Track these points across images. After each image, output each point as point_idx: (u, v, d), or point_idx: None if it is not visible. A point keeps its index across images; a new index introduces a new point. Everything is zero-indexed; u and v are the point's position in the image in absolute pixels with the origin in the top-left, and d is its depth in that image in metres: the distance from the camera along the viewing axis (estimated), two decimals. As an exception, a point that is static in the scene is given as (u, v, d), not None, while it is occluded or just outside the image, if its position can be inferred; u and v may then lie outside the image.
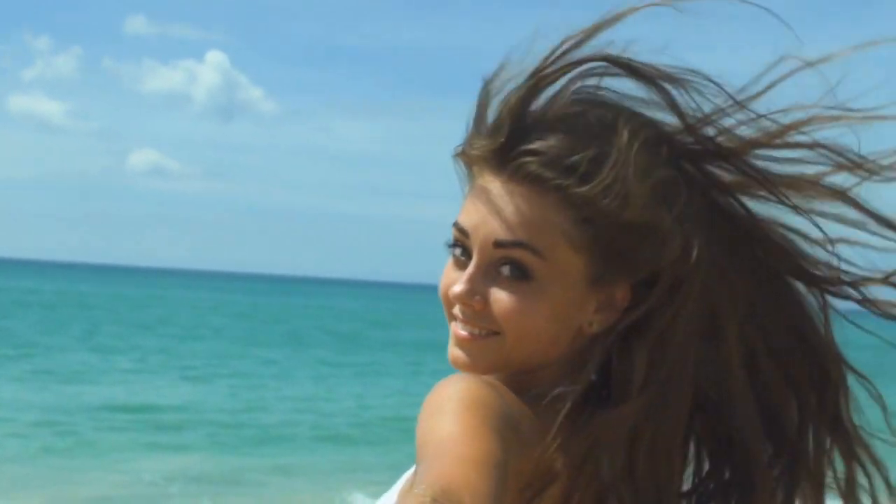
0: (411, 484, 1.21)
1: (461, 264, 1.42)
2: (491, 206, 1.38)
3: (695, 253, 1.37)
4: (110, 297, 74.15)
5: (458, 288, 1.40)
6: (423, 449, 1.23)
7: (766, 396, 1.47)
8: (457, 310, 1.41)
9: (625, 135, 1.36)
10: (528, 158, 1.35)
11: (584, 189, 1.34)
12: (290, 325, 52.99)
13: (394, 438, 18.19)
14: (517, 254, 1.37)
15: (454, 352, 1.42)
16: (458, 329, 1.42)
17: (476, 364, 1.40)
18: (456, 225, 1.42)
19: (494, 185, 1.38)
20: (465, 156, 1.43)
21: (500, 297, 1.38)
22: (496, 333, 1.39)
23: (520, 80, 1.39)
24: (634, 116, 1.40)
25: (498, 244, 1.37)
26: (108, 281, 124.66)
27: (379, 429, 20.14)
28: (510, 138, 1.37)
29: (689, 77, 1.42)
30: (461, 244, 1.42)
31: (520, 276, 1.37)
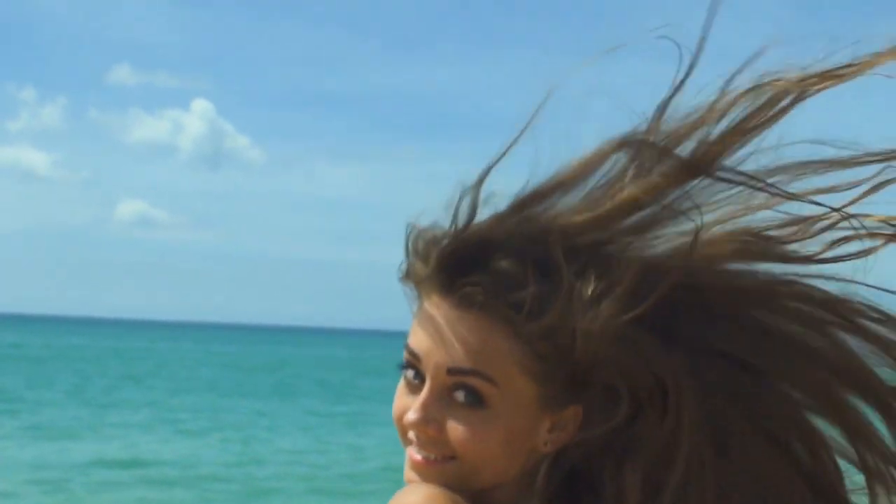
0: None
1: (414, 388, 1.42)
2: (441, 332, 1.38)
3: (670, 371, 1.36)
4: (98, 351, 73.72)
5: (412, 416, 1.40)
6: None
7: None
8: (412, 434, 1.42)
9: (568, 274, 1.36)
10: (475, 288, 1.36)
11: (532, 326, 1.35)
12: (280, 376, 52.73)
13: (388, 490, 17.93)
14: (471, 381, 1.37)
15: (410, 475, 1.42)
16: (413, 453, 1.42)
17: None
18: (407, 348, 1.42)
19: (442, 309, 1.39)
20: (409, 277, 1.43)
21: (456, 425, 1.38)
22: (452, 458, 1.39)
23: (463, 207, 1.40)
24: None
25: (451, 371, 1.37)
26: (96, 333, 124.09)
27: (373, 481, 19.96)
28: (456, 262, 1.37)
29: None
30: (413, 367, 1.41)
31: (474, 402, 1.37)
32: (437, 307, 1.39)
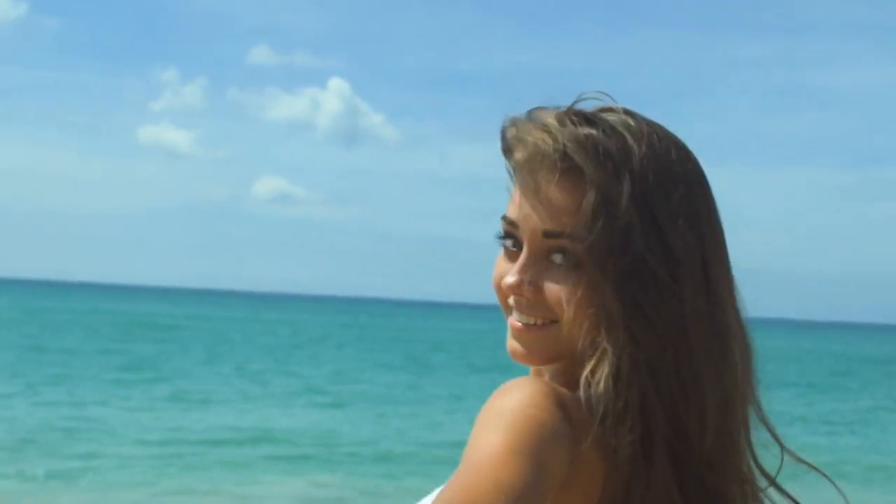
0: (443, 488, 1.23)
1: (512, 255, 1.44)
2: (539, 197, 1.41)
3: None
4: (237, 322, 74.77)
5: (510, 279, 1.43)
6: (465, 456, 1.26)
7: None
8: (511, 300, 1.44)
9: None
10: (573, 151, 1.38)
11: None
12: (416, 347, 52.34)
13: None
14: (566, 243, 1.39)
15: (512, 344, 1.45)
16: (514, 320, 1.44)
17: (534, 354, 1.44)
18: (504, 218, 1.45)
19: (539, 176, 1.41)
20: (513, 149, 1.45)
21: (553, 286, 1.40)
22: (553, 322, 1.41)
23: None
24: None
25: (547, 234, 1.40)
26: (236, 305, 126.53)
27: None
28: (560, 132, 1.40)
29: None
30: (511, 235, 1.44)
31: (571, 264, 1.39)
32: (534, 175, 1.42)
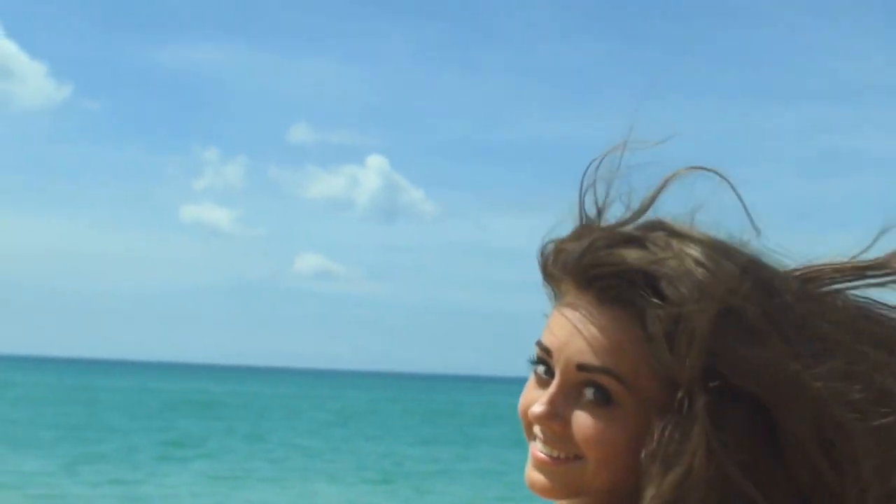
0: None
1: (543, 383, 1.39)
2: (574, 328, 1.36)
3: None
4: (280, 398, 74.45)
5: (538, 409, 1.37)
6: None
7: None
8: (537, 429, 1.39)
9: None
10: (612, 281, 1.33)
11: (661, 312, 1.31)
12: (459, 421, 51.69)
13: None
14: (601, 378, 1.34)
15: (532, 475, 1.40)
16: (536, 451, 1.39)
17: (554, 489, 1.39)
18: (539, 344, 1.40)
19: (577, 305, 1.36)
20: (552, 273, 1.41)
21: (583, 422, 1.35)
22: (578, 458, 1.36)
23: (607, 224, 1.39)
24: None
25: (582, 367, 1.35)
26: (278, 381, 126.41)
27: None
28: (599, 256, 1.35)
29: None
30: (544, 362, 1.39)
31: (602, 400, 1.34)
32: (571, 304, 1.37)
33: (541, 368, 1.39)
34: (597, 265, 1.34)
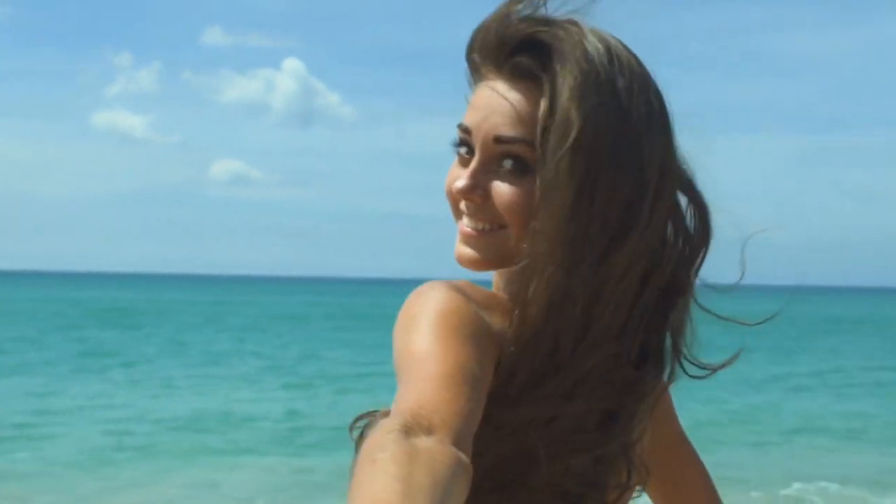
0: (390, 410, 1.24)
1: (465, 162, 1.46)
2: (492, 104, 1.42)
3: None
4: (199, 305, 73.87)
5: (460, 183, 1.44)
6: (398, 367, 1.27)
7: None
8: (463, 205, 1.45)
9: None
10: (525, 58, 1.39)
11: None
12: (382, 326, 51.75)
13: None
14: (518, 149, 1.40)
15: (461, 249, 1.45)
16: (464, 226, 1.45)
17: (482, 259, 1.44)
18: (460, 125, 1.46)
19: (496, 83, 1.43)
20: (473, 60, 1.46)
21: (502, 190, 1.41)
22: (502, 227, 1.42)
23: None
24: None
25: (498, 139, 1.41)
26: (197, 289, 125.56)
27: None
28: (510, 34, 1.40)
29: None
30: (465, 143, 1.45)
31: (520, 169, 1.40)
32: (489, 83, 1.44)
33: (463, 149, 1.46)
34: (508, 40, 1.40)
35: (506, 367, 1.34)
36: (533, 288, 1.34)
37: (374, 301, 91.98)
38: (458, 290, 1.34)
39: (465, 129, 1.45)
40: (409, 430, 1.12)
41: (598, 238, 1.34)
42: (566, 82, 1.35)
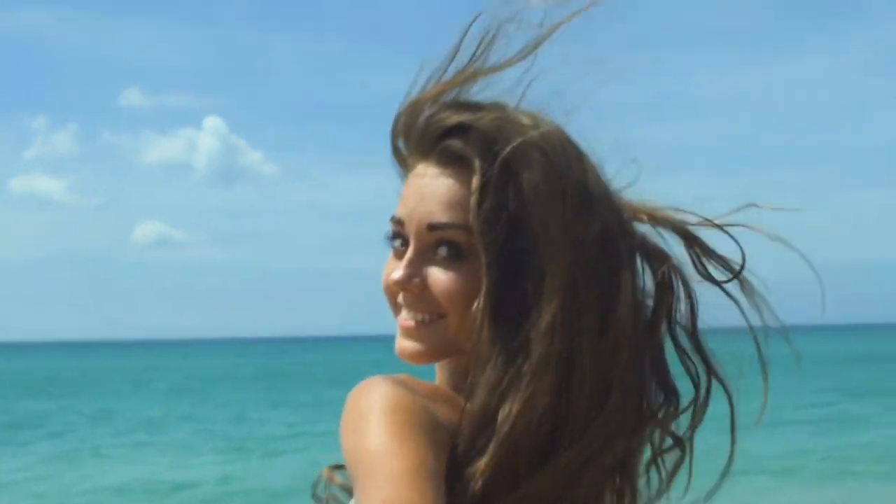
0: None
1: (400, 254, 1.43)
2: (423, 191, 1.41)
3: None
4: (125, 372, 72.62)
5: (396, 274, 1.41)
6: (353, 466, 1.25)
7: None
8: (400, 298, 1.43)
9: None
10: (454, 141, 1.38)
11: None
12: (315, 384, 51.33)
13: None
14: (452, 234, 1.39)
15: (402, 343, 1.43)
16: (403, 319, 1.43)
17: (424, 352, 1.42)
18: (392, 218, 1.44)
19: (424, 171, 1.41)
20: (396, 144, 1.46)
21: (439, 278, 1.39)
22: (441, 317, 1.40)
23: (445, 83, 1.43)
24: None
25: (432, 227, 1.40)
26: (122, 355, 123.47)
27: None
28: (436, 121, 1.40)
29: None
30: (398, 235, 1.44)
31: (455, 255, 1.39)
32: (418, 173, 1.42)
33: (397, 242, 1.44)
34: (435, 127, 1.40)
35: (497, 456, 1.31)
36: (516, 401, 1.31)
37: (301, 359, 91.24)
38: (402, 384, 1.31)
39: (397, 222, 1.43)
40: None
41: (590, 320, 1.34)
42: (499, 163, 1.34)
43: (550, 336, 1.32)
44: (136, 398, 43.21)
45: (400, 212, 1.43)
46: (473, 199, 1.35)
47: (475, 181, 1.35)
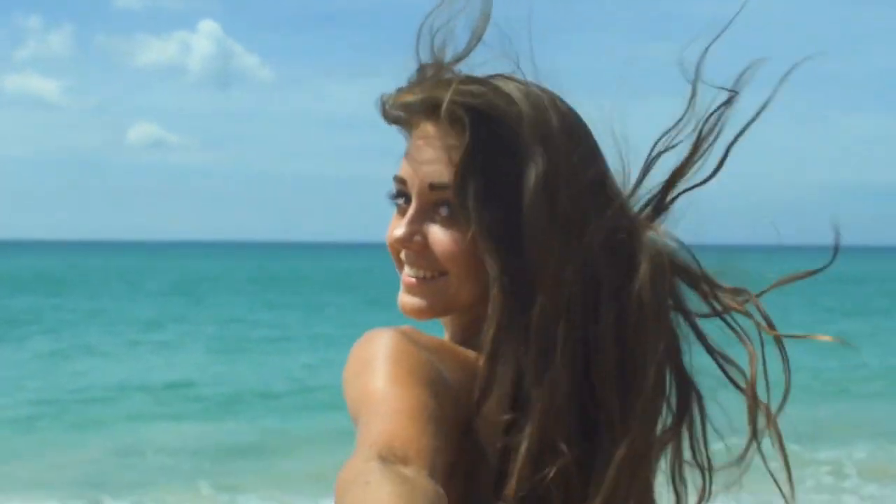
0: (355, 449, 1.22)
1: (404, 212, 1.47)
2: (426, 152, 1.44)
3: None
4: (117, 271, 72.82)
5: (398, 231, 1.45)
6: (356, 409, 1.27)
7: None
8: (403, 255, 1.47)
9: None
10: (459, 105, 1.40)
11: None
12: (304, 291, 51.54)
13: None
14: (448, 194, 1.41)
15: (404, 298, 1.47)
16: (406, 275, 1.46)
17: (425, 308, 1.45)
18: (395, 177, 1.48)
19: (429, 131, 1.44)
20: (402, 110, 1.47)
21: (440, 237, 1.43)
22: (443, 274, 1.44)
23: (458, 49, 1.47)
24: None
25: (433, 187, 1.43)
26: (114, 255, 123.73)
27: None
28: (443, 85, 1.43)
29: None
30: (402, 193, 1.47)
31: (453, 214, 1.41)
32: (422, 132, 1.45)
33: (400, 200, 1.48)
34: (439, 92, 1.42)
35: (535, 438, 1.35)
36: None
37: (294, 265, 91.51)
38: (406, 335, 1.33)
39: (400, 181, 1.47)
40: (387, 460, 1.14)
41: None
42: (501, 127, 1.40)
43: (562, 318, 1.37)
44: (129, 298, 43.38)
45: (403, 171, 1.47)
46: (457, 158, 1.39)
47: (465, 141, 1.39)
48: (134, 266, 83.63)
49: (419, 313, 1.46)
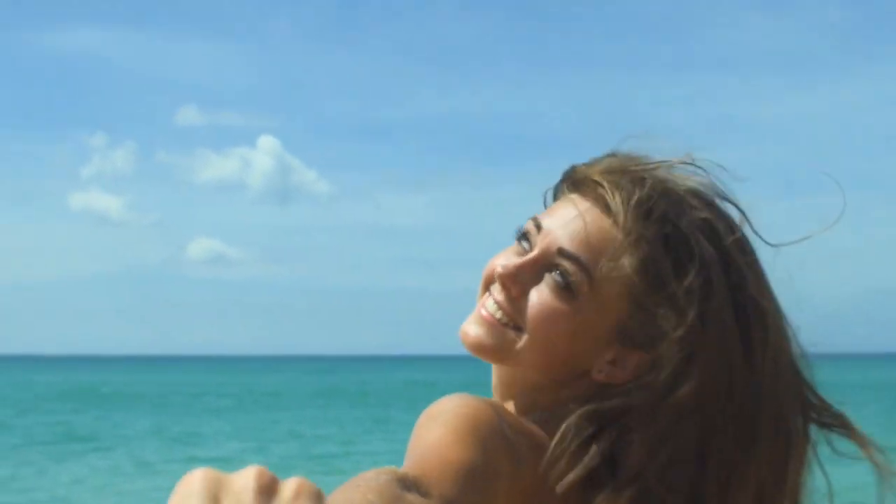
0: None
1: (519, 252, 1.47)
2: (569, 219, 1.45)
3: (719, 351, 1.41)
4: (180, 387, 72.92)
5: (507, 264, 1.44)
6: (409, 452, 1.26)
7: None
8: (493, 288, 1.45)
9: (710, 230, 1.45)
10: (616, 196, 1.42)
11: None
12: (369, 403, 51.10)
13: None
14: (572, 267, 1.42)
15: (467, 327, 1.45)
16: (484, 307, 1.44)
17: (485, 345, 1.43)
18: (534, 218, 1.49)
19: (580, 203, 1.47)
20: (566, 178, 1.51)
21: (539, 298, 1.41)
22: (518, 329, 1.42)
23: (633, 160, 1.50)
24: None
25: (561, 252, 1.43)
26: (177, 370, 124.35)
27: None
28: (607, 172, 1.46)
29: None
30: (528, 237, 1.48)
31: (564, 287, 1.41)
32: (572, 199, 1.48)
33: (524, 242, 1.48)
34: (596, 174, 1.46)
35: None
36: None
37: (356, 378, 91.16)
38: (491, 404, 1.33)
39: (537, 226, 1.48)
40: (405, 483, 1.12)
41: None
42: (638, 230, 1.42)
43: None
44: (190, 413, 43.22)
45: (544, 221, 1.48)
46: (617, 244, 1.42)
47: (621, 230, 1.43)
48: (196, 381, 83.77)
49: (477, 348, 1.43)
